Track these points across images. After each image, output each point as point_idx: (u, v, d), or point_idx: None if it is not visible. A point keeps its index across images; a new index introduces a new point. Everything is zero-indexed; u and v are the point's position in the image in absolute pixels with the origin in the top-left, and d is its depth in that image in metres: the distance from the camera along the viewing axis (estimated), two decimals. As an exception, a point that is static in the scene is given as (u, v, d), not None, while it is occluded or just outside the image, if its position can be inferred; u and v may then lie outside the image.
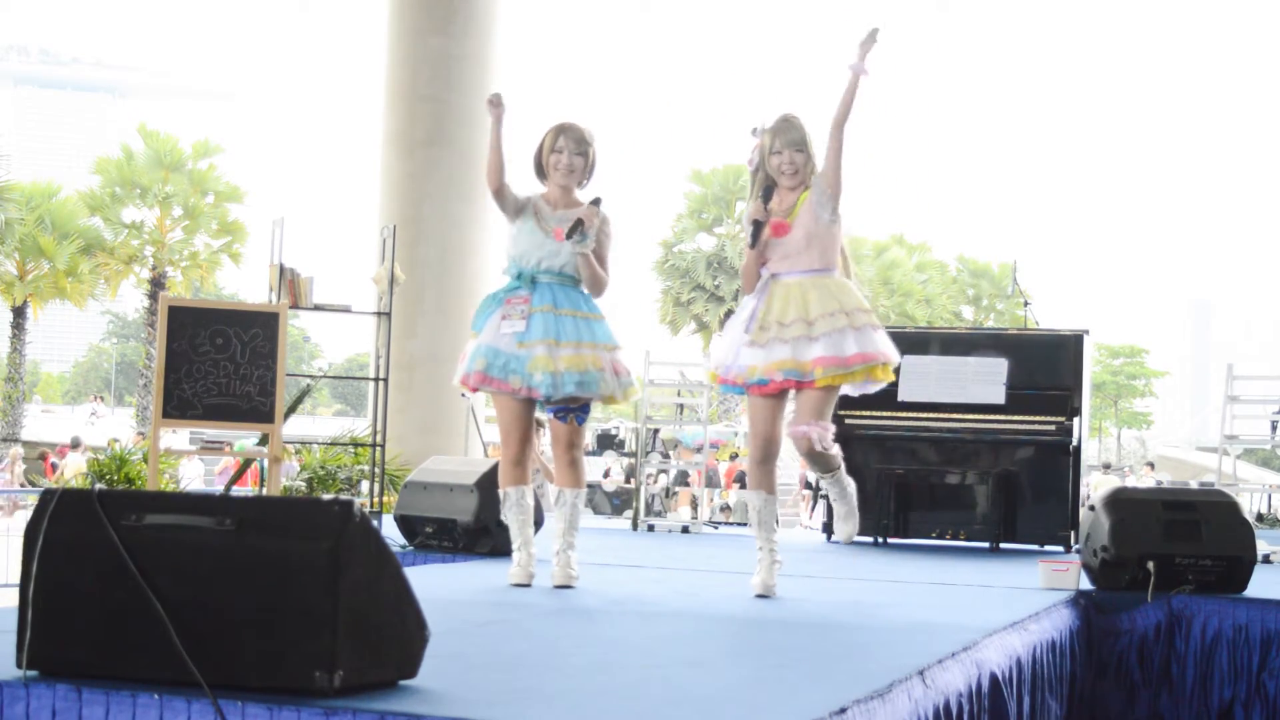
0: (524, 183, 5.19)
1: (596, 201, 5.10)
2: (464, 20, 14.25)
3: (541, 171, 5.17)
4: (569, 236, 5.01)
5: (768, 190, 4.89)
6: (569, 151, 5.09)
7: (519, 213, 5.11)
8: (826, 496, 8.93)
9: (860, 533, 8.34)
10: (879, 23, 4.84)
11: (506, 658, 3.29)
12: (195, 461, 18.94)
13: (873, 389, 4.94)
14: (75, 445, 21.07)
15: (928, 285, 40.33)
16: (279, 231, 9.15)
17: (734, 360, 4.91)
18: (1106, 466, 26.96)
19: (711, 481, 19.21)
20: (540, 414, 5.50)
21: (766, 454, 4.96)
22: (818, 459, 4.93)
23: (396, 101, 14.32)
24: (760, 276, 4.92)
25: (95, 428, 31.17)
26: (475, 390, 5.14)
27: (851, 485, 5.17)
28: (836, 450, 4.97)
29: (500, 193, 5.07)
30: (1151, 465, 28.51)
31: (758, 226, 4.85)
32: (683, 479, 17.92)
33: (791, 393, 4.92)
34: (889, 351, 4.82)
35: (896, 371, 5.03)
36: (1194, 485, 22.80)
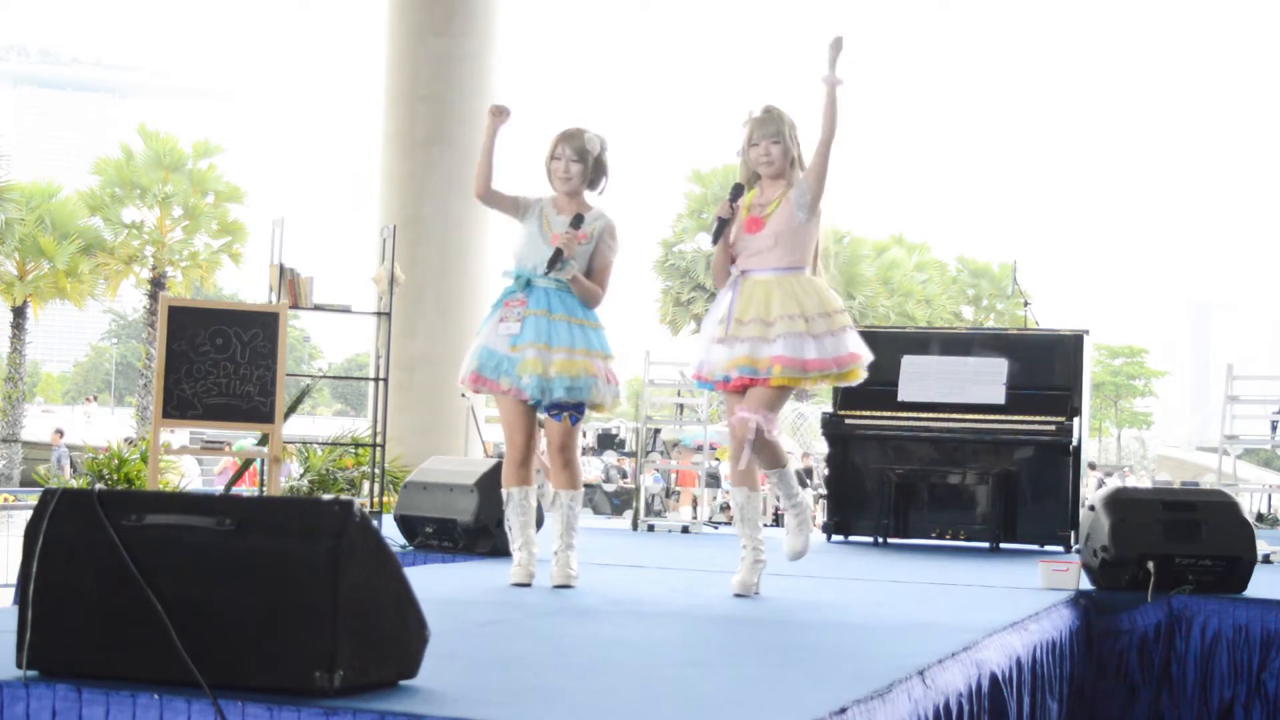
0: (535, 186, 5.23)
1: (576, 222, 5.07)
2: (464, 20, 14.24)
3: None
4: (548, 270, 5.02)
5: (737, 188, 4.94)
6: (566, 159, 5.12)
7: (526, 213, 5.15)
8: (826, 496, 9.00)
9: (860, 533, 8.41)
10: (841, 31, 4.83)
11: (506, 658, 3.29)
12: (189, 460, 18.87)
13: (847, 385, 4.94)
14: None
15: (928, 285, 40.32)
16: (279, 231, 9.15)
17: (705, 356, 4.95)
18: (1108, 475, 27.06)
19: (713, 481, 19.19)
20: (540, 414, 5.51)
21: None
22: (761, 448, 4.84)
23: (396, 101, 14.31)
24: (730, 272, 4.93)
25: (90, 428, 31.14)
26: (475, 391, 5.20)
27: (802, 496, 5.06)
28: (780, 446, 4.92)
29: (488, 198, 5.13)
30: (1129, 469, 28.65)
31: (722, 223, 4.91)
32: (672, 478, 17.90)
33: None
34: (850, 356, 4.77)
35: (871, 367, 4.94)
36: (1175, 485, 22.83)
